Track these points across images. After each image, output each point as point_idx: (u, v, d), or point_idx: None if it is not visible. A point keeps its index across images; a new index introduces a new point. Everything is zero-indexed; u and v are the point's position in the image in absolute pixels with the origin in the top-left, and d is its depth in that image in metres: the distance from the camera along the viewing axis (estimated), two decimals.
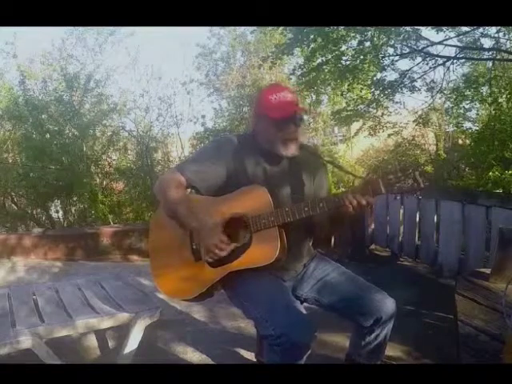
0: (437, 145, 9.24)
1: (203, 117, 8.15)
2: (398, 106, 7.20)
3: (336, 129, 11.01)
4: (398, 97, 6.78)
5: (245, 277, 1.43)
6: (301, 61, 6.84)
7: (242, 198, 1.43)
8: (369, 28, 5.16)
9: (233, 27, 9.29)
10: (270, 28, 7.74)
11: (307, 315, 1.37)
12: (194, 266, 1.47)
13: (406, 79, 6.26)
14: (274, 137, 1.45)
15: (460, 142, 9.36)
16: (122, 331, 1.83)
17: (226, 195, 1.46)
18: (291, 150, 1.46)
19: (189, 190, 1.52)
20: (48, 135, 6.33)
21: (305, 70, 6.23)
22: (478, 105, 7.60)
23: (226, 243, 1.38)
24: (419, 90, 6.52)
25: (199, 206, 1.46)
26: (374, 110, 6.82)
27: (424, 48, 5.88)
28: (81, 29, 7.49)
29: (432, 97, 7.35)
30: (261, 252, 1.39)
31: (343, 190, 5.83)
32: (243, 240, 1.42)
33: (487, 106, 7.05)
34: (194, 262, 1.47)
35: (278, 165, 1.52)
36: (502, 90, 6.59)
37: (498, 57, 6.43)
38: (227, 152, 1.48)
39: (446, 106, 8.38)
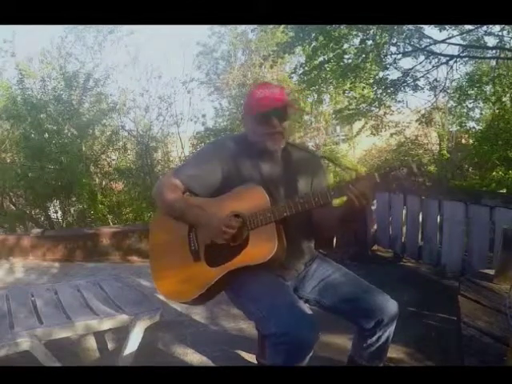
0: (440, 144, 9.22)
1: (204, 116, 8.19)
2: (401, 105, 7.19)
3: (338, 128, 11.01)
4: (400, 96, 6.78)
5: (245, 277, 1.43)
6: (302, 59, 6.85)
7: (238, 197, 1.44)
8: (371, 26, 5.14)
9: (234, 25, 9.30)
10: (271, 26, 7.75)
11: (310, 314, 1.35)
12: (193, 267, 1.46)
13: (408, 78, 6.24)
14: (259, 132, 1.46)
15: (463, 141, 9.34)
16: (122, 333, 1.82)
17: (221, 196, 1.47)
18: (278, 144, 1.47)
19: (186, 193, 1.52)
20: (47, 135, 6.30)
21: (306, 68, 6.22)
22: (481, 104, 7.57)
23: (233, 224, 1.38)
24: (422, 88, 6.52)
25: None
26: (377, 109, 6.81)
27: (427, 46, 5.86)
28: (80, 27, 7.51)
29: (435, 96, 7.35)
30: (258, 249, 1.38)
31: None
32: (241, 238, 1.41)
33: (491, 105, 7.03)
34: (193, 262, 1.47)
35: (274, 166, 1.52)
36: (506, 89, 6.55)
37: (502, 55, 6.40)
38: (222, 154, 1.49)
39: (449, 105, 8.37)
